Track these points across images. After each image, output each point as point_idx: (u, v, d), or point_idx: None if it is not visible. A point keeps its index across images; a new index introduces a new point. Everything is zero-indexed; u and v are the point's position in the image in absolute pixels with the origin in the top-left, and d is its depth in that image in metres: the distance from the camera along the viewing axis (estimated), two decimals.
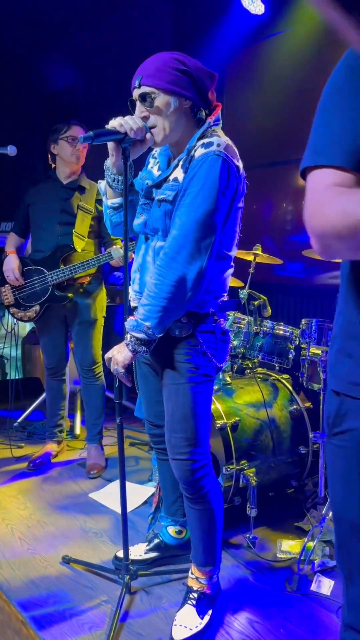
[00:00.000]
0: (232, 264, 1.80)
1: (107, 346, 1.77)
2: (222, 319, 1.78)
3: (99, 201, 2.91)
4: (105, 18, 4.90)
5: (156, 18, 4.53)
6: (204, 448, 1.77)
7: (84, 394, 3.12)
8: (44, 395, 3.88)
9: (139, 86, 1.62)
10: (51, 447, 3.22)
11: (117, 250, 2.74)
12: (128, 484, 2.68)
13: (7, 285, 2.98)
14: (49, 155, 3.00)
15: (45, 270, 2.88)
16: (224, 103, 4.05)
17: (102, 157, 1.76)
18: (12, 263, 2.94)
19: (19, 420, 3.72)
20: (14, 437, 3.48)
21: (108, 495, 2.73)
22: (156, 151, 1.85)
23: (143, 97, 1.63)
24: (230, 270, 1.80)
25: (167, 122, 1.65)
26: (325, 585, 2.05)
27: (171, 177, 1.68)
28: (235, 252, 1.79)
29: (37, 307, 2.93)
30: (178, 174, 1.65)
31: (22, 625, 1.94)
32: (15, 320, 3.02)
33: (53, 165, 3.02)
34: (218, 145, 1.59)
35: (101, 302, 3.03)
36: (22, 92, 5.45)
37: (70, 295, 2.89)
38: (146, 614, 1.91)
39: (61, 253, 2.86)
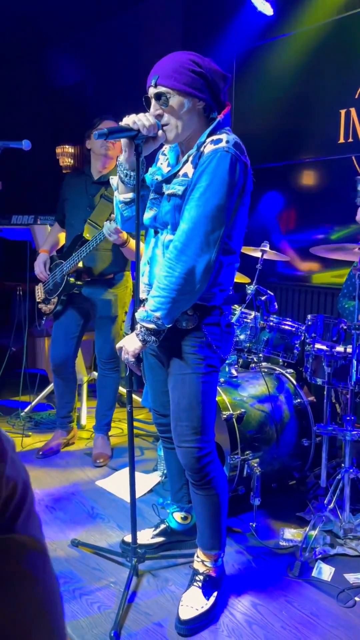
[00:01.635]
0: (238, 258, 1.86)
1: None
2: (227, 312, 1.85)
3: None
4: (116, 15, 4.95)
5: (167, 15, 4.57)
6: (208, 436, 1.83)
7: (98, 384, 3.18)
8: (49, 386, 3.96)
9: (155, 86, 1.68)
10: (61, 436, 3.29)
11: (105, 225, 2.61)
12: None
13: (40, 284, 3.12)
14: (83, 150, 3.03)
15: (63, 262, 2.99)
16: (233, 101, 4.10)
17: None
18: (39, 259, 3.09)
19: (25, 410, 3.79)
20: (22, 426, 3.56)
21: (115, 483, 2.80)
22: (166, 148, 1.91)
23: (158, 96, 1.69)
24: (237, 265, 1.86)
25: (180, 122, 1.71)
26: (325, 572, 2.12)
27: (181, 173, 1.74)
28: (241, 247, 1.85)
29: (55, 299, 3.03)
30: (188, 169, 1.72)
31: None
32: (43, 316, 3.12)
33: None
34: (227, 142, 1.65)
35: (123, 298, 3.07)
36: (32, 88, 5.51)
37: (79, 282, 2.95)
38: (153, 595, 1.98)
39: (75, 243, 2.93)
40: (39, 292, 3.12)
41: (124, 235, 2.63)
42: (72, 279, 2.95)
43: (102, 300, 3.00)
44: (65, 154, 5.69)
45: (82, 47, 5.40)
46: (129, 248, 2.72)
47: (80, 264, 2.93)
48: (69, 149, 5.66)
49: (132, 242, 2.67)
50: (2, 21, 4.79)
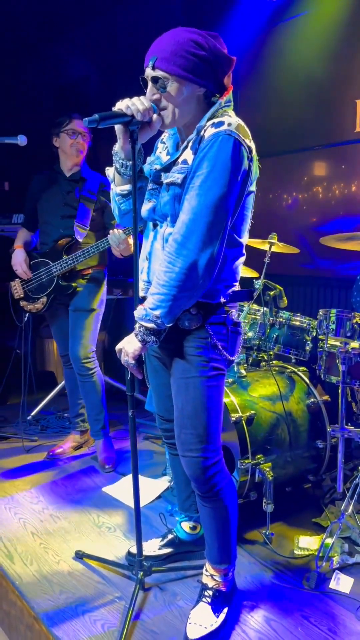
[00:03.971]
0: (243, 251, 1.73)
1: (117, 340, 1.72)
2: (233, 310, 1.72)
3: (102, 192, 2.91)
4: (118, 8, 4.85)
5: (170, 5, 4.46)
6: (215, 444, 1.71)
7: (81, 391, 3.05)
8: (57, 388, 3.87)
9: (153, 68, 1.56)
10: (74, 438, 3.22)
11: (114, 235, 2.62)
12: (141, 478, 2.64)
13: (16, 280, 3.02)
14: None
15: (50, 262, 2.90)
16: (238, 89, 3.97)
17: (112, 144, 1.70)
18: (19, 257, 2.97)
19: (32, 414, 3.71)
20: (28, 430, 3.47)
21: (122, 490, 2.70)
22: (165, 136, 1.79)
23: (155, 79, 1.57)
24: (242, 259, 1.73)
25: (177, 108, 1.58)
26: (344, 583, 1.99)
27: (180, 159, 1.61)
28: (247, 239, 1.72)
29: (44, 299, 2.95)
30: (187, 155, 1.59)
31: (34, 621, 1.91)
32: (26, 313, 3.03)
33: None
34: (229, 124, 1.52)
35: (99, 293, 2.98)
36: (35, 83, 5.43)
37: (74, 284, 2.89)
38: (160, 611, 1.87)
39: (62, 244, 2.86)
40: (17, 288, 3.02)
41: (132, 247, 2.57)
42: (63, 282, 2.88)
43: (79, 292, 2.92)
44: None
45: (85, 41, 5.31)
46: (131, 251, 2.65)
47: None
48: None
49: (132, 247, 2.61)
50: (4, 16, 4.71)
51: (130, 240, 2.60)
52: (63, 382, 3.51)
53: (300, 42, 3.69)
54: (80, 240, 2.85)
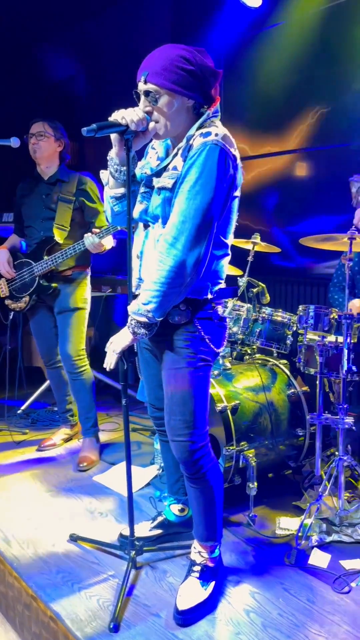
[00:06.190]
0: (229, 251, 1.87)
1: (105, 336, 1.84)
2: (219, 306, 1.86)
3: (79, 192, 2.98)
4: (106, 9, 4.93)
5: (156, 9, 4.57)
6: (201, 430, 1.84)
7: (72, 389, 3.13)
8: (46, 383, 3.97)
9: (145, 82, 1.68)
10: (64, 431, 3.33)
11: (89, 237, 2.79)
12: (132, 467, 2.76)
13: (2, 279, 3.12)
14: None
15: (33, 262, 3.00)
16: (223, 93, 4.09)
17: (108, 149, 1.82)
18: (2, 257, 3.08)
19: (22, 408, 3.81)
20: (19, 424, 3.57)
21: (112, 478, 2.82)
22: (155, 142, 1.91)
23: (147, 93, 1.69)
24: (228, 258, 1.87)
25: (169, 120, 1.71)
26: (322, 559, 2.14)
27: (171, 166, 1.74)
28: (232, 240, 1.86)
29: (27, 298, 3.04)
30: (177, 162, 1.72)
31: (32, 600, 2.03)
32: (10, 311, 3.14)
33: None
34: (216, 134, 1.66)
35: (82, 292, 3.06)
36: (23, 84, 5.48)
37: (54, 285, 2.99)
38: (152, 587, 2.00)
39: (45, 245, 2.97)
40: (3, 287, 3.13)
41: (106, 247, 2.89)
42: (44, 282, 2.98)
43: (63, 292, 3.02)
44: None
45: (72, 42, 5.38)
46: (104, 250, 2.91)
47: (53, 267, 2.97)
48: None
49: (106, 247, 2.89)
50: None
51: (104, 242, 2.84)
52: None
53: (281, 48, 3.84)
54: (60, 241, 2.94)
